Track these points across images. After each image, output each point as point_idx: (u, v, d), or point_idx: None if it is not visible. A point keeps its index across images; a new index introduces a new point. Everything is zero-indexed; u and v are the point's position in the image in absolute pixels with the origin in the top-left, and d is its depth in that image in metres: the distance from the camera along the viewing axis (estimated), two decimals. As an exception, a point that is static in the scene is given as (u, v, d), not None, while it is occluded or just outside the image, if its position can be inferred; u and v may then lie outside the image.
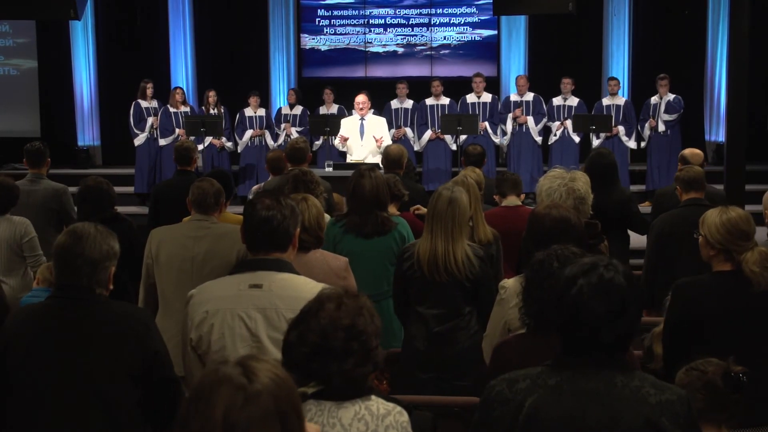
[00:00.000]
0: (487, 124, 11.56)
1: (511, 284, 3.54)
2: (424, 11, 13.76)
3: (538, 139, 11.67)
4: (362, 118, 9.60)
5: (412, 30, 13.83)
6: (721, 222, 3.59)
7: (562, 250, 2.86)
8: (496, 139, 11.61)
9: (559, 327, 2.15)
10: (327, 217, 4.64)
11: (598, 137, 11.46)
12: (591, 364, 2.12)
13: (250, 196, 6.75)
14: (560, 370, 2.14)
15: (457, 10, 13.69)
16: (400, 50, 13.89)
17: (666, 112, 11.39)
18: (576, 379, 2.11)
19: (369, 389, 2.27)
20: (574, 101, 11.70)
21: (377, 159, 9.16)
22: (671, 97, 11.45)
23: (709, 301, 3.52)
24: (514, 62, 13.41)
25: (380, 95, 11.72)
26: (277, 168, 7.10)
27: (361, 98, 9.68)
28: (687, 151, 6.62)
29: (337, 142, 9.82)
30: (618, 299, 2.10)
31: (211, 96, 11.81)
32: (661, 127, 11.40)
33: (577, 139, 11.60)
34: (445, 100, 11.73)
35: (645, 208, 10.08)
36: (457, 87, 12.24)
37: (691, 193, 5.52)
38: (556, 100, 11.76)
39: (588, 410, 2.07)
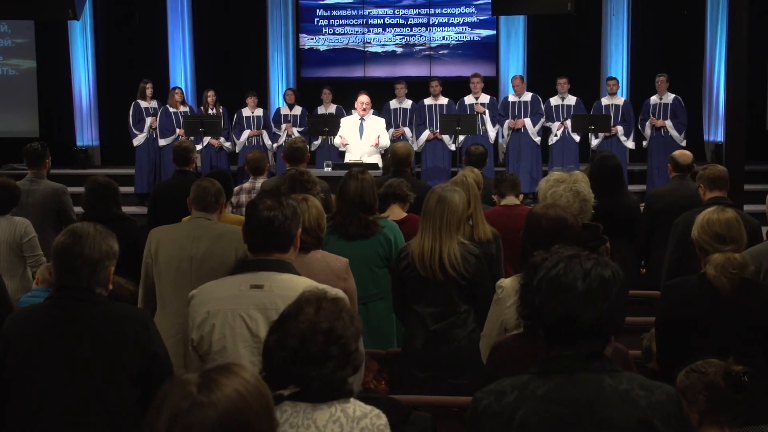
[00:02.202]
0: (487, 111, 11.52)
1: (507, 284, 3.55)
2: (423, 11, 13.76)
3: (537, 139, 11.67)
4: (362, 118, 9.61)
5: (411, 30, 13.83)
6: (700, 221, 3.62)
7: (556, 251, 2.84)
8: (492, 134, 11.59)
9: (538, 315, 2.13)
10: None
11: (596, 137, 11.46)
12: (577, 368, 2.10)
13: (233, 199, 6.77)
14: (547, 378, 2.11)
15: (456, 10, 13.70)
16: (399, 50, 13.90)
17: (677, 129, 11.36)
18: (564, 387, 2.08)
19: (349, 392, 2.26)
20: (571, 100, 11.71)
21: (376, 159, 9.18)
22: (671, 98, 11.45)
23: (689, 303, 3.54)
24: (513, 62, 13.41)
25: (379, 95, 11.71)
26: (257, 168, 7.10)
27: (363, 98, 9.68)
28: (677, 153, 6.54)
29: (337, 141, 9.82)
30: (597, 283, 2.08)
31: (210, 96, 11.81)
32: (682, 143, 11.27)
33: (577, 138, 11.61)
34: (444, 100, 11.72)
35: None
36: (455, 87, 12.24)
37: (714, 191, 5.44)
38: (554, 100, 11.76)
39: (580, 419, 2.05)
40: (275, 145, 11.94)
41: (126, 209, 9.98)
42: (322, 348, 2.18)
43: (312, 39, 13.95)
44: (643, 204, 6.47)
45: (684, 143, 11.34)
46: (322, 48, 13.96)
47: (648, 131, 11.60)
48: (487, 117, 11.57)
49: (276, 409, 2.19)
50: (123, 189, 10.60)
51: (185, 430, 1.54)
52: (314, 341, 2.18)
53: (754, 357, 3.46)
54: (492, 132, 11.61)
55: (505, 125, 11.66)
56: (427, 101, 11.78)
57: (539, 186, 4.37)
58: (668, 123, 11.43)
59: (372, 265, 4.77)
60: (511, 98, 11.86)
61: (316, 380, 2.18)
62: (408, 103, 11.86)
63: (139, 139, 11.83)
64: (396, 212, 5.28)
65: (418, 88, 12.17)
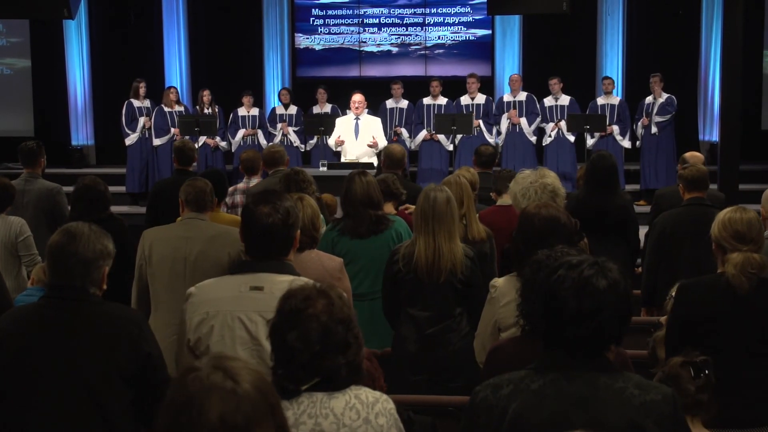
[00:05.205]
0: (481, 122, 11.59)
1: (501, 283, 3.55)
2: (419, 11, 13.75)
3: (533, 139, 11.68)
4: (357, 118, 9.59)
5: (407, 29, 13.83)
6: (721, 219, 3.60)
7: (561, 251, 2.84)
8: (491, 139, 11.60)
9: (537, 318, 2.18)
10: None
11: (592, 137, 11.47)
12: (573, 366, 2.11)
13: (228, 199, 6.75)
14: (543, 374, 2.12)
15: (452, 10, 13.69)
16: (395, 50, 13.89)
17: (658, 113, 11.41)
18: (559, 382, 2.10)
19: (363, 375, 2.35)
20: (565, 100, 11.71)
21: (372, 159, 9.17)
22: (665, 97, 11.47)
23: (706, 302, 3.53)
24: (509, 62, 13.42)
25: (374, 95, 11.70)
26: (251, 168, 7.08)
27: (357, 97, 9.67)
28: (688, 155, 6.53)
29: (332, 142, 9.81)
30: (591, 298, 2.09)
31: (206, 95, 11.79)
32: (653, 129, 11.42)
33: (572, 138, 11.61)
34: (443, 100, 11.72)
35: (639, 207, 10.12)
36: (451, 87, 12.23)
37: (693, 192, 5.47)
38: (548, 101, 11.74)
39: (571, 415, 2.06)
40: (270, 145, 11.91)
41: (119, 209, 9.99)
42: (344, 336, 2.26)
43: (307, 38, 13.94)
44: (645, 202, 6.49)
45: (627, 144, 11.45)
46: (317, 47, 13.95)
47: (640, 131, 11.62)
48: (483, 127, 11.59)
49: (293, 401, 2.25)
50: (116, 189, 10.69)
51: (245, 419, 1.54)
52: (336, 331, 2.25)
53: None
54: (491, 139, 11.60)
55: (503, 122, 11.65)
56: (426, 101, 11.78)
57: (510, 189, 4.41)
58: (615, 128, 11.47)
59: (385, 260, 4.79)
60: (507, 98, 11.85)
61: (344, 368, 2.26)
62: (404, 103, 11.84)
63: (131, 139, 11.80)
64: (388, 210, 5.29)
65: (413, 87, 12.17)
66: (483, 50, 13.69)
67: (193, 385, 1.57)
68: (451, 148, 11.42)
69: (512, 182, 4.44)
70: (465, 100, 11.75)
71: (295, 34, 13.91)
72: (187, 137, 10.45)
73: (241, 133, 11.91)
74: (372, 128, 9.54)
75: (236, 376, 1.58)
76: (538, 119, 11.68)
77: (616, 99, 11.85)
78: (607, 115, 11.52)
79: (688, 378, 2.86)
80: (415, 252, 4.16)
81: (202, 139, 11.55)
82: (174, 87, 12.19)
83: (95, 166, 13.42)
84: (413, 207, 5.49)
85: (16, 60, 13.96)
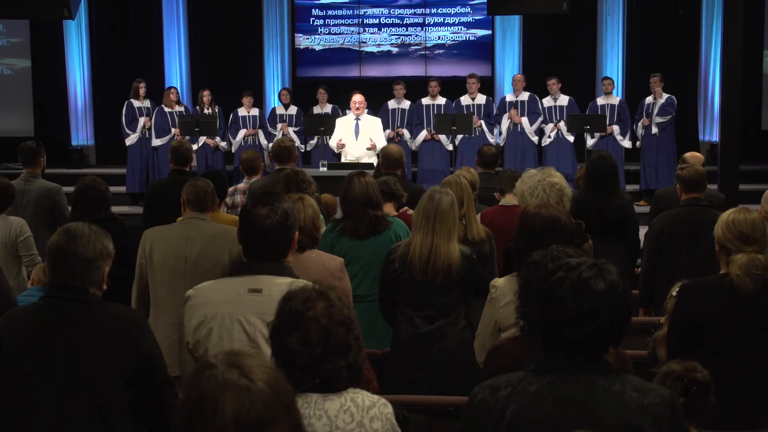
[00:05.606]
0: (482, 122, 11.59)
1: (501, 283, 3.55)
2: (419, 11, 13.76)
3: (535, 138, 11.68)
4: (357, 118, 9.59)
5: (407, 30, 13.83)
6: (724, 220, 3.58)
7: (558, 251, 2.85)
8: (492, 139, 11.60)
9: (535, 319, 2.18)
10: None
11: (592, 137, 11.48)
12: (571, 368, 2.11)
13: (228, 199, 6.75)
14: (541, 376, 2.12)
15: (452, 10, 13.70)
16: (395, 50, 13.89)
17: (659, 114, 11.42)
18: (556, 385, 2.10)
19: (363, 377, 2.33)
20: (564, 100, 11.71)
21: (372, 159, 9.18)
22: (665, 97, 11.47)
23: (708, 303, 3.52)
24: (509, 62, 13.43)
25: (374, 95, 11.70)
26: (251, 168, 7.08)
27: (357, 98, 9.66)
28: (688, 155, 6.52)
29: (333, 144, 9.81)
30: (589, 299, 2.09)
31: (206, 95, 11.79)
32: (654, 130, 11.43)
33: (571, 138, 11.62)
34: (442, 100, 11.73)
35: (639, 207, 10.12)
36: (451, 87, 12.24)
37: (691, 193, 5.46)
38: (546, 101, 11.75)
39: (569, 417, 2.06)
40: (271, 144, 11.92)
41: (118, 209, 9.99)
42: (344, 338, 2.24)
43: (307, 39, 13.94)
44: (645, 202, 6.49)
45: (628, 144, 11.41)
46: (317, 48, 13.95)
47: (640, 131, 11.63)
48: (485, 126, 11.60)
49: None
50: (116, 189, 10.69)
51: (259, 417, 1.54)
52: (337, 333, 2.23)
53: None
54: (492, 139, 11.61)
55: (504, 122, 11.66)
56: (425, 101, 11.78)
57: (516, 188, 4.40)
58: (615, 128, 11.48)
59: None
60: (509, 98, 11.86)
61: (344, 370, 2.24)
62: (406, 104, 11.84)
63: (131, 139, 11.80)
64: (389, 211, 5.30)
65: (413, 88, 12.17)
66: (483, 50, 13.69)
67: (207, 383, 1.56)
68: (450, 148, 11.42)
69: (519, 181, 4.44)
70: (465, 100, 11.75)
71: (295, 34, 13.91)
72: (186, 137, 10.47)
73: (242, 133, 11.92)
74: (372, 128, 9.53)
75: (251, 373, 1.58)
76: (540, 119, 11.69)
77: (616, 99, 11.85)
78: (607, 115, 11.52)
79: (675, 393, 2.85)
80: (411, 250, 4.17)
81: (202, 140, 11.55)
82: (174, 87, 12.19)
83: (95, 166, 13.42)
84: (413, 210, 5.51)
85: (16, 60, 13.96)
